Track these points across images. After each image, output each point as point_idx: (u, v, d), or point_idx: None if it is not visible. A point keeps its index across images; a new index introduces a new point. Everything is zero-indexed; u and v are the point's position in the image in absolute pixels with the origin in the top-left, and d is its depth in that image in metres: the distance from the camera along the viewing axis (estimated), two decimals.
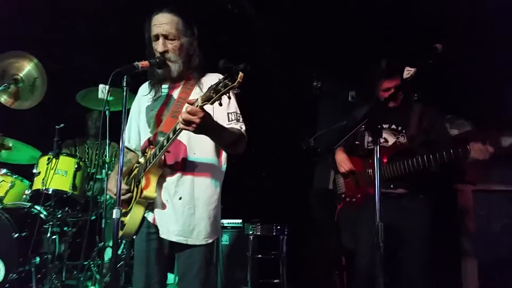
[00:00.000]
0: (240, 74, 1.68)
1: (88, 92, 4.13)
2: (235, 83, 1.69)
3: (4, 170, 3.90)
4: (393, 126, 3.05)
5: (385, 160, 2.94)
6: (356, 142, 2.96)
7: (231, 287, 3.82)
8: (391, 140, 3.03)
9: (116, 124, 3.43)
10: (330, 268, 4.35)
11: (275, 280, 4.07)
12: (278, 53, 4.44)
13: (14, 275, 3.27)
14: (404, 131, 3.02)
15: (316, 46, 4.39)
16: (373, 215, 2.25)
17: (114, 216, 1.94)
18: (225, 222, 4.14)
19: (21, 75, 4.04)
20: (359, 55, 4.02)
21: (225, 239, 4.08)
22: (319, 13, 4.31)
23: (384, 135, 3.03)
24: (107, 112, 3.83)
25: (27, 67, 4.06)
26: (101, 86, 3.78)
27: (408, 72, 2.26)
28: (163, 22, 2.17)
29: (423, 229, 2.89)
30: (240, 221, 4.12)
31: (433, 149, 2.83)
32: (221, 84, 1.73)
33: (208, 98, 1.77)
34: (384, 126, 3.06)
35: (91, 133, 4.66)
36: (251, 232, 4.02)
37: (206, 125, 1.86)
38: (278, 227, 4.09)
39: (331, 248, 4.35)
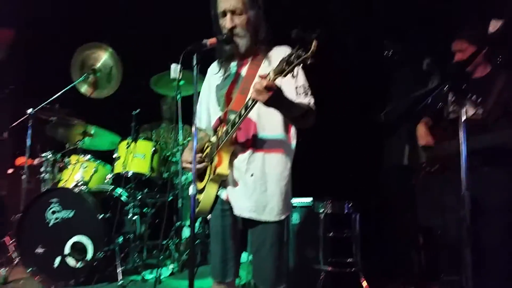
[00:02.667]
0: (314, 43, 1.61)
1: (160, 77, 4.27)
2: (309, 53, 1.62)
3: (88, 156, 4.15)
4: (473, 97, 2.91)
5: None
6: (440, 104, 2.84)
7: (303, 266, 3.80)
8: (470, 112, 2.90)
9: (188, 107, 3.52)
10: (407, 247, 4.21)
11: (348, 259, 3.99)
12: (347, 21, 4.29)
13: (101, 254, 3.49)
14: (483, 103, 2.88)
15: (387, 12, 4.20)
16: (455, 186, 2.15)
17: (190, 193, 1.98)
18: (295, 201, 4.11)
19: (98, 65, 4.27)
20: (432, 19, 3.79)
21: (295, 218, 4.04)
22: None
23: (466, 106, 2.86)
24: (178, 96, 3.94)
25: (103, 57, 4.28)
26: (173, 65, 3.88)
27: (494, 26, 2.07)
28: None
29: (506, 201, 2.77)
30: (310, 199, 4.08)
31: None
32: (294, 55, 1.67)
33: (281, 70, 1.73)
34: (468, 97, 2.92)
35: (166, 117, 4.82)
36: (321, 210, 3.96)
37: (277, 99, 1.84)
38: (350, 205, 3.99)
39: (406, 225, 4.20)
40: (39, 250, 3.53)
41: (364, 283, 3.61)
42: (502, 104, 2.83)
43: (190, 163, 2.20)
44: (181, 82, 4.12)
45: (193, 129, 2.07)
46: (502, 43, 2.66)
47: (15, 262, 3.61)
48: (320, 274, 3.67)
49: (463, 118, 2.17)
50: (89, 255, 3.46)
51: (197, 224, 4.10)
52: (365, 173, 4.43)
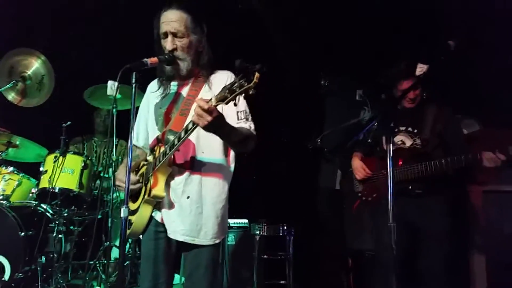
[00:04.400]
0: (257, 74, 1.65)
1: (95, 89, 4.12)
2: (251, 84, 1.66)
3: (11, 168, 3.90)
4: (409, 129, 3.07)
5: (400, 163, 2.97)
6: (369, 141, 2.95)
7: None
8: (408, 142, 3.04)
9: (123, 122, 3.43)
10: (337, 269, 4.31)
11: (281, 281, 4.03)
12: (287, 51, 4.41)
13: (20, 274, 3.27)
14: (419, 134, 3.04)
15: (324, 44, 4.36)
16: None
17: (122, 215, 1.91)
18: (232, 222, 4.12)
19: (28, 72, 4.04)
20: (367, 53, 3.99)
21: (231, 239, 4.05)
22: (326, 10, 4.30)
23: (401, 137, 3.07)
24: (114, 110, 3.82)
25: (35, 65, 4.06)
26: (110, 82, 3.77)
27: (421, 69, 2.23)
28: (172, 20, 2.14)
29: (443, 227, 2.91)
30: (246, 221, 4.10)
31: (448, 153, 2.86)
32: (236, 84, 1.70)
33: (223, 98, 1.75)
34: (401, 128, 3.09)
35: (99, 131, 4.65)
36: (257, 232, 3.99)
37: (217, 125, 1.85)
38: (285, 228, 4.05)
39: (337, 249, 4.32)
40: None
41: None
42: (437, 134, 2.99)
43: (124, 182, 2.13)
44: (118, 96, 4.00)
45: (129, 146, 2.01)
46: (427, 83, 2.88)
47: None
48: None
49: (390, 152, 2.29)
50: (7, 275, 3.22)
51: (127, 245, 3.96)
52: (300, 196, 4.51)
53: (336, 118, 4.14)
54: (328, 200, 4.47)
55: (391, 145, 2.23)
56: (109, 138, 4.09)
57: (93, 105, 4.40)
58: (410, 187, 2.93)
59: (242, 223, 4.14)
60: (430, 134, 2.99)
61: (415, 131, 3.05)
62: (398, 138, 3.06)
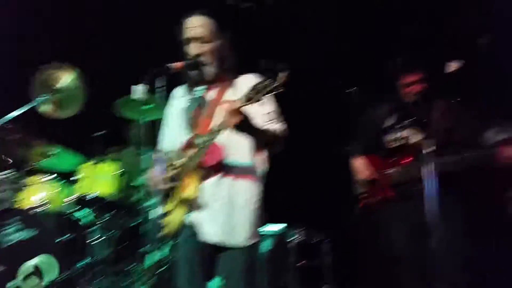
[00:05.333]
0: (283, 73, 1.67)
1: (127, 101, 4.22)
2: (278, 83, 1.68)
3: (50, 177, 4.03)
4: (417, 124, 2.94)
5: (409, 160, 2.85)
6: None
7: None
8: (414, 138, 2.93)
9: (154, 131, 3.49)
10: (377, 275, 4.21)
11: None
12: (313, 52, 4.40)
13: (60, 278, 3.36)
14: (427, 129, 2.88)
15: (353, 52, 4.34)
16: (397, 217, 2.18)
17: (155, 216, 1.96)
18: (267, 228, 4.03)
19: (60, 85, 4.18)
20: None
21: (266, 245, 4.00)
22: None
23: (407, 133, 2.95)
24: (144, 120, 3.91)
25: (66, 78, 4.19)
26: (136, 87, 3.84)
27: (451, 66, 2.18)
28: (195, 25, 2.19)
29: (454, 229, 2.70)
30: (282, 226, 4.03)
31: (459, 150, 2.70)
32: (262, 85, 1.73)
33: (249, 98, 1.77)
34: (406, 123, 2.97)
35: (133, 142, 4.75)
36: (293, 238, 3.92)
37: (244, 126, 1.87)
38: (322, 233, 3.97)
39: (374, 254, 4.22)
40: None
41: None
42: (445, 129, 2.83)
43: (157, 184, 2.18)
44: (148, 106, 4.09)
45: (156, 151, 2.07)
46: (458, 83, 2.72)
47: None
48: None
49: (426, 149, 2.21)
50: (47, 279, 3.33)
51: (166, 249, 4.01)
52: (338, 201, 4.44)
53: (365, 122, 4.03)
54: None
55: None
56: (140, 147, 4.18)
57: (126, 117, 4.50)
58: (417, 185, 2.73)
59: (277, 230, 4.04)
60: (438, 129, 2.80)
61: (423, 126, 2.90)
62: (402, 134, 2.95)
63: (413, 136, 2.92)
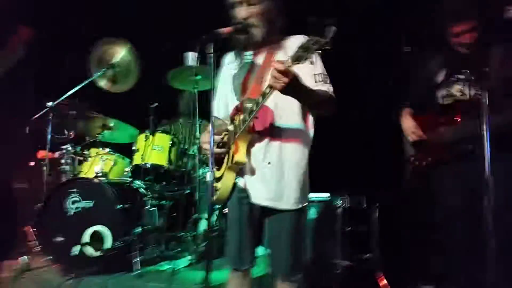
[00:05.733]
0: (331, 29, 1.63)
1: (177, 72, 4.30)
2: (327, 39, 1.64)
3: (107, 149, 4.23)
4: (472, 77, 2.69)
5: (459, 118, 2.65)
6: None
7: (321, 260, 3.77)
8: (469, 92, 2.69)
9: (205, 101, 3.55)
10: (421, 245, 4.12)
11: (367, 254, 3.94)
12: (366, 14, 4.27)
13: (119, 244, 3.52)
14: (483, 81, 2.54)
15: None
16: (451, 180, 2.07)
17: (207, 179, 2.00)
18: (313, 195, 4.03)
19: (116, 60, 4.32)
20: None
21: (312, 212, 4.00)
22: None
23: (460, 86, 2.72)
24: (196, 90, 3.97)
25: (121, 53, 4.33)
26: (188, 54, 3.89)
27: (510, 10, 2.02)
28: None
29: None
30: (328, 194, 4.03)
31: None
32: (311, 42, 1.69)
33: (299, 57, 1.74)
34: (460, 76, 2.72)
35: (184, 113, 4.86)
36: (339, 205, 3.92)
37: (294, 86, 1.85)
38: (369, 199, 3.94)
39: (423, 222, 4.12)
40: (59, 239, 3.60)
41: (383, 282, 3.56)
42: (505, 80, 2.54)
43: (209, 149, 2.21)
44: (198, 77, 4.15)
45: (211, 116, 2.09)
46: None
47: (36, 250, 3.69)
48: (337, 269, 3.64)
49: (485, 100, 2.06)
50: (107, 244, 3.51)
51: (213, 217, 4.11)
52: (384, 167, 4.36)
53: (417, 80, 3.89)
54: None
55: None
56: (193, 118, 4.26)
57: (176, 88, 4.60)
58: (471, 146, 2.53)
59: (323, 197, 4.06)
60: (496, 81, 2.49)
61: (477, 78, 2.64)
62: (456, 88, 2.72)
63: (467, 90, 2.70)
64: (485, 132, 2.18)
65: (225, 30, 2.11)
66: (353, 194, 3.98)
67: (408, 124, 2.89)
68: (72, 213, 3.65)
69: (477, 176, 2.43)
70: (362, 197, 3.94)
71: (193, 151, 4.28)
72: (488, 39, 2.67)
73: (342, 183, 4.20)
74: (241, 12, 2.17)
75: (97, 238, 3.52)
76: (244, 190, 2.19)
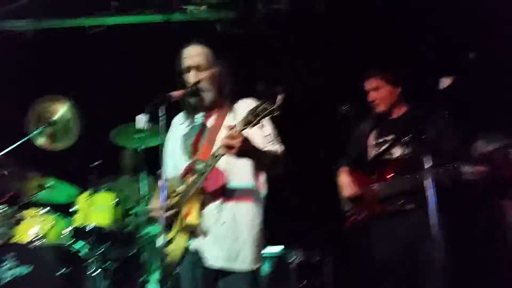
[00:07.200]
0: (280, 96, 1.72)
1: (121, 130, 4.25)
2: (275, 106, 1.73)
3: (45, 210, 3.99)
4: (397, 138, 2.89)
5: (390, 175, 2.83)
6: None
7: None
8: (397, 152, 2.87)
9: (150, 158, 3.52)
10: None
11: None
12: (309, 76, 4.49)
13: None
14: (409, 143, 2.83)
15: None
16: (383, 234, 2.32)
17: (160, 243, 1.97)
18: (265, 250, 3.97)
19: (55, 118, 4.20)
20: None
21: (266, 267, 3.97)
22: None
23: (391, 147, 2.90)
24: (140, 148, 3.92)
25: (60, 110, 4.22)
26: (138, 117, 3.85)
27: (444, 82, 2.22)
28: (193, 54, 2.26)
29: (437, 249, 2.47)
30: (280, 248, 4.01)
31: (438, 164, 2.58)
32: (260, 108, 1.77)
33: (248, 122, 1.82)
34: (387, 138, 2.93)
35: (126, 170, 4.75)
36: (293, 259, 3.89)
37: (246, 149, 1.90)
38: (322, 253, 3.94)
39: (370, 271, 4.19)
40: None
41: None
42: (430, 142, 2.65)
43: (159, 212, 2.18)
44: (142, 134, 4.12)
45: (161, 177, 2.09)
46: (450, 99, 2.59)
47: None
48: None
49: (427, 164, 2.24)
50: None
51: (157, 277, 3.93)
52: (335, 219, 4.43)
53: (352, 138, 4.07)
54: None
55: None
56: (137, 175, 4.17)
57: (119, 145, 4.52)
58: (402, 201, 2.72)
59: (275, 252, 4.01)
60: (421, 142, 2.65)
61: (405, 139, 2.84)
62: (388, 149, 2.89)
63: (396, 151, 2.88)
64: (427, 191, 2.31)
65: (176, 93, 2.17)
66: (307, 247, 3.96)
67: (344, 181, 3.03)
68: (7, 281, 3.37)
69: (409, 231, 2.65)
70: (316, 249, 3.94)
71: (138, 210, 4.16)
72: (417, 107, 2.93)
73: (295, 236, 4.19)
74: (192, 77, 2.24)
75: None
76: (196, 253, 2.16)
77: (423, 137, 2.63)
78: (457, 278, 2.59)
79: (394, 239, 2.75)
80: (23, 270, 3.40)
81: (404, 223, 2.71)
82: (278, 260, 3.89)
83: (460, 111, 2.93)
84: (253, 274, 2.14)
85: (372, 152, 3.02)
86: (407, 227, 2.70)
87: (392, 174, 2.82)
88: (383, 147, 2.93)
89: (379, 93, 2.97)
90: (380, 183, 2.87)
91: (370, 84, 3.01)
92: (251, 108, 1.83)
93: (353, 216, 2.99)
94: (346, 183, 3.01)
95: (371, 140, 3.05)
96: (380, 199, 2.84)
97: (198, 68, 2.24)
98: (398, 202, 2.76)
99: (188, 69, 2.25)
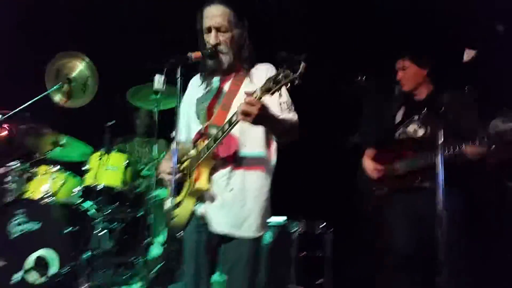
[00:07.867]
0: (302, 64, 1.66)
1: (138, 89, 4.21)
2: (297, 74, 1.67)
3: (57, 167, 4.01)
4: (423, 117, 2.99)
5: (412, 152, 2.91)
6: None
7: (276, 285, 3.74)
8: (421, 131, 2.97)
9: (164, 121, 3.48)
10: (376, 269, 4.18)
11: (321, 280, 3.96)
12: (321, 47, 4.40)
13: (65, 269, 3.35)
14: (432, 122, 2.90)
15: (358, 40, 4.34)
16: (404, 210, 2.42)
17: (167, 206, 1.95)
18: (269, 219, 4.03)
19: (73, 74, 4.16)
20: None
21: (268, 236, 4.00)
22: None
23: (414, 126, 3.01)
24: (155, 109, 3.88)
25: (79, 67, 4.18)
26: (156, 76, 3.81)
27: (469, 54, 2.15)
28: (215, 14, 2.17)
29: (452, 226, 2.53)
30: (284, 218, 4.04)
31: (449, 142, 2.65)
32: (282, 75, 1.72)
33: (268, 89, 1.77)
34: (415, 117, 3.02)
35: (140, 132, 4.74)
36: (295, 230, 3.94)
37: (263, 116, 1.85)
38: (324, 225, 3.98)
39: (378, 247, 4.19)
40: (0, 263, 3.36)
41: None
42: (450, 122, 2.68)
43: (169, 173, 2.17)
44: (160, 95, 4.07)
45: (174, 140, 2.06)
46: (474, 72, 2.62)
47: None
48: None
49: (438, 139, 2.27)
50: (53, 270, 3.32)
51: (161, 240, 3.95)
52: (339, 193, 4.42)
53: (373, 114, 4.03)
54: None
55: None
56: (150, 137, 4.15)
57: (135, 105, 4.49)
58: (420, 178, 2.84)
59: (279, 221, 4.07)
60: (441, 122, 2.63)
61: (429, 119, 2.94)
62: (411, 128, 3.01)
63: (420, 130, 2.98)
64: (436, 168, 2.35)
65: (195, 54, 2.11)
66: (309, 218, 4.01)
67: (369, 164, 3.15)
68: (16, 236, 3.43)
69: (426, 207, 2.66)
70: (318, 221, 3.98)
71: (148, 172, 4.16)
72: (441, 84, 3.01)
73: (298, 208, 4.21)
74: (212, 38, 2.17)
75: (42, 263, 3.32)
76: (202, 218, 2.15)
77: (442, 118, 2.64)
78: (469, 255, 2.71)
79: (411, 215, 2.88)
80: (32, 226, 3.45)
81: (421, 201, 2.80)
82: (280, 229, 3.92)
83: (482, 86, 2.91)
84: (255, 242, 2.13)
85: (396, 130, 3.11)
86: (424, 205, 2.76)
87: (413, 152, 2.91)
88: (407, 127, 3.03)
89: (405, 73, 3.10)
90: (401, 160, 2.98)
91: (398, 63, 3.13)
92: (272, 75, 1.77)
93: (376, 192, 3.10)
94: (371, 167, 3.12)
95: (397, 118, 3.16)
96: (400, 176, 2.95)
97: (219, 29, 2.16)
98: (416, 179, 2.86)
99: (209, 29, 2.18)
